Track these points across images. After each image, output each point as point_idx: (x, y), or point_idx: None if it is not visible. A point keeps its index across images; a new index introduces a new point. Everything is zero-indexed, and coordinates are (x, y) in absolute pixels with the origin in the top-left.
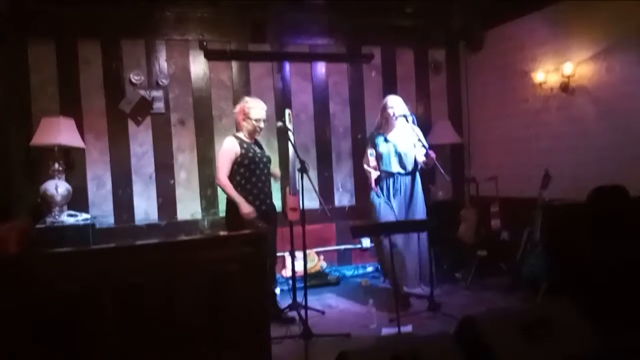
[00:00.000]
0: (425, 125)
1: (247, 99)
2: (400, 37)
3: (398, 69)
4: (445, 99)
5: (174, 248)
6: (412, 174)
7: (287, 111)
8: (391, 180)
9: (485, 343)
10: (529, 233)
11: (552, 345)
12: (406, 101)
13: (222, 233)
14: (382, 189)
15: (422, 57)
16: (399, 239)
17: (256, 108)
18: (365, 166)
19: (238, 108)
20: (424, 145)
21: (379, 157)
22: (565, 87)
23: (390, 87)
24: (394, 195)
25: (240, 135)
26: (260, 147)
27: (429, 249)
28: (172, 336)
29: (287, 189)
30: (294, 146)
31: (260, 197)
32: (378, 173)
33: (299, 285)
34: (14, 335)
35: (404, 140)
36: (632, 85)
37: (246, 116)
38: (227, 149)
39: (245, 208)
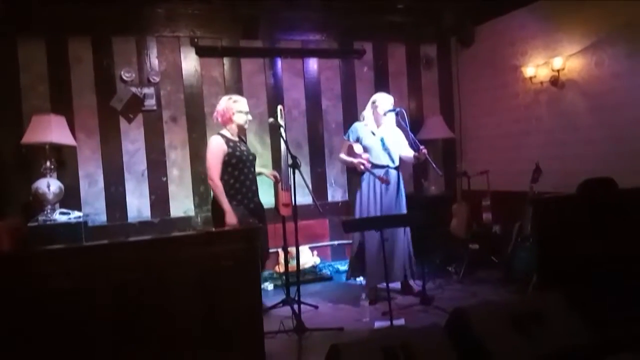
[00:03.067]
0: (417, 120)
1: (231, 96)
2: (391, 33)
3: (390, 65)
4: (437, 94)
5: (166, 244)
6: (397, 168)
7: (279, 107)
8: (382, 173)
9: (475, 335)
10: (519, 226)
11: (542, 338)
12: (398, 96)
13: (214, 229)
14: (371, 183)
15: (414, 53)
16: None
17: (241, 100)
18: (345, 157)
19: (223, 106)
20: (415, 141)
21: (365, 150)
22: (555, 81)
23: (382, 83)
24: (384, 188)
25: (226, 133)
26: (247, 145)
27: (418, 243)
28: (165, 332)
29: (280, 185)
30: (285, 142)
31: (248, 195)
32: (368, 155)
33: (292, 280)
34: (7, 332)
35: (391, 135)
36: (620, 79)
37: (235, 110)
38: (216, 149)
39: (231, 219)
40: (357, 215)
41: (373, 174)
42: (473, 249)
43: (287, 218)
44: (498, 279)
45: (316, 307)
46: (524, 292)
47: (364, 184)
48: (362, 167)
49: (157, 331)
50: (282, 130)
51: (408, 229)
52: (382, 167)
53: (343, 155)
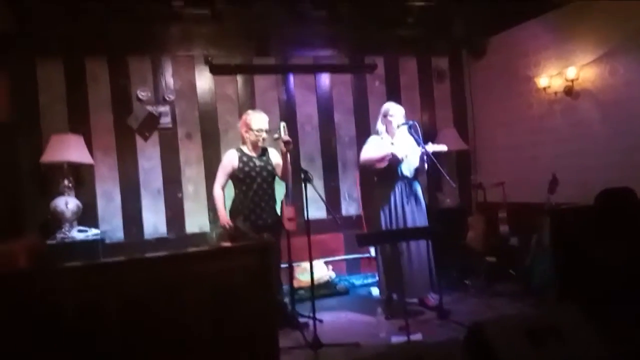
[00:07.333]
0: (430, 132)
1: (249, 111)
2: (402, 46)
3: (401, 78)
4: (449, 107)
5: (181, 260)
6: (416, 179)
7: (282, 124)
8: (402, 184)
9: (494, 350)
10: (537, 238)
11: (561, 352)
12: (411, 109)
13: (228, 244)
14: (393, 194)
15: (426, 66)
16: (405, 245)
17: (257, 119)
18: (370, 157)
19: (241, 121)
20: (427, 154)
21: None
22: (569, 91)
23: (394, 96)
24: (406, 200)
25: (244, 148)
26: (267, 160)
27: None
28: (180, 348)
29: (284, 200)
30: (290, 157)
31: (256, 211)
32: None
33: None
34: (25, 349)
35: (408, 146)
36: (635, 87)
37: (248, 127)
38: (225, 162)
39: (222, 219)
40: (383, 228)
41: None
42: (490, 261)
43: (293, 233)
44: (516, 292)
45: (321, 320)
46: (542, 305)
47: (387, 196)
48: (398, 154)
49: (171, 348)
50: (281, 144)
51: (430, 243)
52: (405, 177)
53: (372, 154)
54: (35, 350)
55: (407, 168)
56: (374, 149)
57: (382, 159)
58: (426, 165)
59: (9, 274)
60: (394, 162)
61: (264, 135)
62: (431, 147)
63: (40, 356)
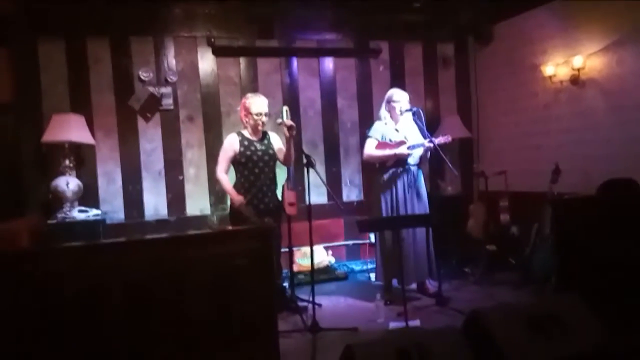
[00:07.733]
0: (434, 119)
1: (248, 95)
2: (408, 32)
3: (406, 64)
4: (454, 94)
5: (182, 242)
6: (418, 166)
7: (285, 108)
8: (405, 171)
9: (492, 337)
10: (538, 227)
11: (560, 340)
12: (415, 96)
13: (229, 228)
14: (395, 182)
15: (431, 52)
16: (405, 232)
17: (256, 102)
18: (379, 152)
19: (240, 105)
20: (430, 139)
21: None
22: (575, 80)
23: (398, 82)
24: (408, 188)
25: (244, 132)
26: (268, 144)
27: (434, 243)
28: (180, 330)
29: (285, 185)
30: (293, 141)
31: (258, 196)
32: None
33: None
34: (25, 329)
35: (412, 133)
36: None
37: (247, 111)
38: (226, 146)
39: (234, 198)
40: (384, 215)
41: (419, 145)
42: (490, 250)
43: (294, 217)
44: (516, 281)
45: (319, 305)
46: (542, 294)
47: (389, 183)
48: (406, 151)
49: (171, 330)
50: (285, 130)
51: (430, 230)
52: (406, 166)
53: (377, 151)
54: (35, 329)
55: (411, 157)
56: (376, 144)
57: (384, 160)
58: (429, 154)
59: (9, 253)
60: (399, 160)
61: (264, 119)
62: (436, 141)
63: (40, 336)
